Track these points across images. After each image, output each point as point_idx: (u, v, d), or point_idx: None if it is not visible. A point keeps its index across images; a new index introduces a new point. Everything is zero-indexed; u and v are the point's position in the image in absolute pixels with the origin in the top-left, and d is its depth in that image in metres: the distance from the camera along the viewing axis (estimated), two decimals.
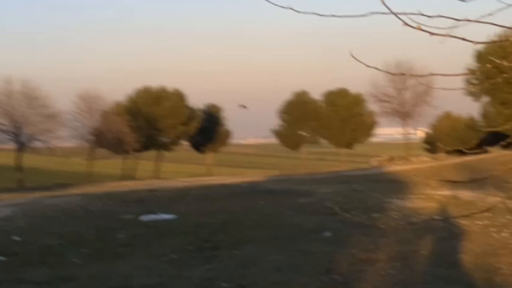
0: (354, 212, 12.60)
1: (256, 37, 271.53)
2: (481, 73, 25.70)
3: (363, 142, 59.33)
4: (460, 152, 37.01)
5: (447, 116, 59.46)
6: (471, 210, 11.87)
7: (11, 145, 41.75)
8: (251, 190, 20.69)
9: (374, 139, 65.43)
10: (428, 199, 17.02)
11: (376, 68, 2.69)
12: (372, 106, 55.67)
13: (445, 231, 10.83)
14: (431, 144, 58.26)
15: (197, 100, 61.33)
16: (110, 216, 14.37)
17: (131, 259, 9.29)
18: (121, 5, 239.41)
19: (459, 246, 9.71)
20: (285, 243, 10.27)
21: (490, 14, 2.34)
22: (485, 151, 45.36)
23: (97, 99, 45.28)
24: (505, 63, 2.83)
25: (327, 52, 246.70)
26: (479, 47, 37.93)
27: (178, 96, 53.82)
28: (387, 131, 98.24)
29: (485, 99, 48.44)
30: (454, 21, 2.32)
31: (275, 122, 59.68)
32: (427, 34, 2.30)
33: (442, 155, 46.54)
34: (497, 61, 2.80)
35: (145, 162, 53.73)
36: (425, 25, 2.28)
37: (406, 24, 2.27)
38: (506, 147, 37.43)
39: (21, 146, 40.46)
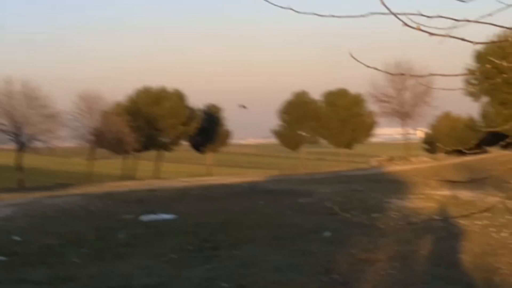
0: (354, 212, 12.62)
1: (256, 37, 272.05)
2: (481, 73, 25.70)
3: (362, 142, 59.39)
4: (460, 152, 37.02)
5: (447, 116, 59.46)
6: (471, 210, 11.88)
7: (12, 145, 41.78)
8: (251, 190, 20.69)
9: (373, 139, 65.48)
10: (427, 199, 17.02)
11: (376, 68, 2.70)
12: (372, 106, 55.84)
13: (445, 231, 10.84)
14: (430, 144, 58.25)
15: (197, 100, 61.60)
16: (110, 216, 14.37)
17: (131, 259, 9.30)
18: (121, 5, 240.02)
19: (458, 246, 9.72)
20: (285, 243, 10.28)
21: (489, 15, 2.35)
22: (485, 151, 45.37)
23: (97, 99, 45.38)
24: (505, 64, 2.84)
25: (327, 52, 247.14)
26: (479, 47, 37.97)
27: (178, 96, 53.83)
28: (386, 131, 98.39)
29: (485, 99, 48.41)
30: (453, 21, 2.33)
31: (275, 122, 59.89)
32: (426, 34, 2.31)
33: (441, 155, 46.54)
34: (497, 61, 2.81)
35: (145, 162, 53.74)
36: (424, 26, 2.29)
37: (406, 24, 2.28)
38: (505, 147, 37.46)
39: (22, 146, 40.48)
